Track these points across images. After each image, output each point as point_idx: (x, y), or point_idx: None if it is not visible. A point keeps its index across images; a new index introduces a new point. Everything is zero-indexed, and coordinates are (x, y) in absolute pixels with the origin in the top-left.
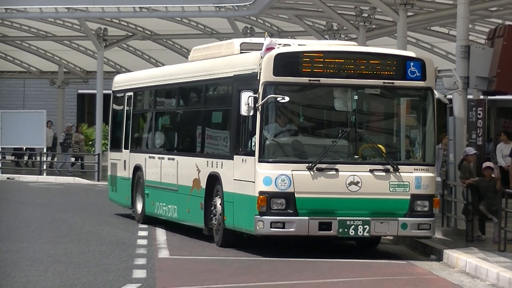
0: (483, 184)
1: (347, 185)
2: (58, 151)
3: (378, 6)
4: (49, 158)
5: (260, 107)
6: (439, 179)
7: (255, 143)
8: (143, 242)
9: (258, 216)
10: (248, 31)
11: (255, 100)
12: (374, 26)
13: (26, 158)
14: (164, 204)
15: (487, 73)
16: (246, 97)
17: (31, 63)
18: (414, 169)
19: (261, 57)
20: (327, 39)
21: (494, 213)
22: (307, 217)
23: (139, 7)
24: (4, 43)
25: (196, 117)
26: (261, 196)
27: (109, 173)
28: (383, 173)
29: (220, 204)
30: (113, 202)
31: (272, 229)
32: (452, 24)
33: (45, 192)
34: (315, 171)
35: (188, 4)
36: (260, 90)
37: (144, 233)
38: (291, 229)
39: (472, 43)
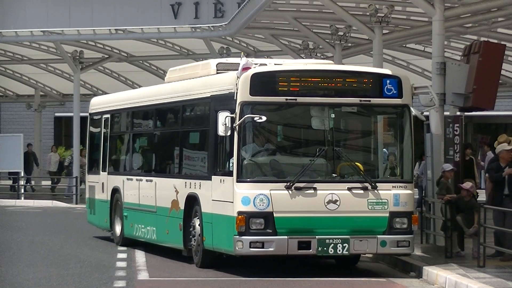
0: (462, 202)
1: (326, 204)
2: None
3: (353, 24)
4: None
5: (237, 127)
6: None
7: (233, 163)
8: (123, 264)
9: (237, 236)
10: (224, 51)
11: (232, 120)
12: (350, 44)
13: (23, 182)
14: (143, 226)
15: (464, 89)
16: (223, 117)
17: (8, 87)
18: (392, 186)
19: (238, 77)
20: (303, 58)
21: (470, 227)
22: (286, 237)
23: (115, 29)
24: None
25: (173, 138)
26: (239, 216)
27: (87, 195)
28: (362, 191)
29: (199, 225)
30: (92, 224)
31: (251, 249)
32: (428, 41)
33: (24, 216)
34: (294, 190)
35: (163, 26)
36: (237, 110)
37: (123, 255)
38: (270, 249)
39: (448, 60)
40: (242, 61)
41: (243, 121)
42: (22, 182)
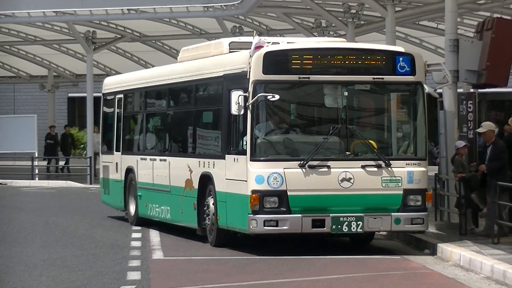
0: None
1: (340, 182)
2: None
3: (366, 2)
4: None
5: (250, 106)
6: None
7: (246, 142)
8: (137, 244)
9: (251, 215)
10: (237, 30)
11: (245, 99)
12: (362, 22)
13: (62, 163)
14: (157, 205)
15: (477, 66)
16: (236, 96)
17: (21, 68)
18: (406, 164)
19: (250, 56)
20: (316, 36)
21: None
22: (300, 215)
23: (127, 9)
24: None
25: (187, 118)
26: (253, 195)
27: (101, 176)
28: (375, 169)
29: (213, 204)
30: (106, 204)
31: (265, 227)
32: (441, 18)
33: (38, 197)
34: (307, 169)
35: (176, 5)
36: (250, 89)
37: (138, 235)
38: (284, 227)
39: (460, 37)
40: (255, 40)
41: (256, 100)
42: (36, 163)
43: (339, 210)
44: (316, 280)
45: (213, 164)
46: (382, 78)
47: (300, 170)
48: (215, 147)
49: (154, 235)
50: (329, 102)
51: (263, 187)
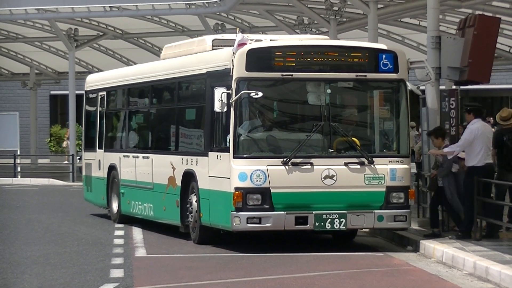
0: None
1: (323, 179)
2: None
3: None
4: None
5: (233, 103)
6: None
7: (229, 139)
8: (120, 241)
9: (234, 212)
10: (219, 28)
11: (229, 96)
12: (344, 19)
13: (19, 161)
14: (140, 202)
15: (459, 63)
16: (219, 94)
17: (2, 65)
18: (389, 161)
19: (234, 53)
20: (298, 34)
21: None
22: (283, 212)
23: (109, 7)
24: None
25: (169, 115)
26: (236, 192)
27: (83, 173)
28: (358, 166)
29: (196, 201)
30: (89, 202)
31: (248, 224)
32: (423, 15)
33: (21, 194)
34: (290, 166)
35: (158, 2)
36: (233, 86)
37: (121, 232)
38: (267, 224)
39: (443, 34)
40: (238, 37)
41: (239, 97)
42: (18, 161)
43: (322, 207)
44: (299, 277)
45: (196, 161)
46: (365, 76)
47: (283, 167)
48: (198, 145)
49: (137, 233)
50: (312, 99)
51: (246, 184)
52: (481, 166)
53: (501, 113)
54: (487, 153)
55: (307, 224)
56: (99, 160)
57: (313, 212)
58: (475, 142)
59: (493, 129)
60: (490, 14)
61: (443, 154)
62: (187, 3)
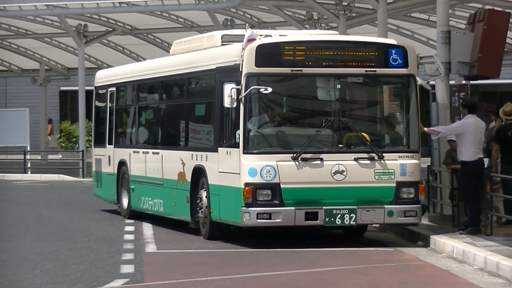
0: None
1: (332, 174)
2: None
3: None
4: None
5: (243, 98)
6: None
7: (239, 135)
8: (130, 237)
9: (244, 208)
10: (229, 23)
11: (238, 91)
12: (354, 15)
13: (29, 157)
14: (150, 198)
15: (469, 58)
16: (229, 89)
17: (12, 61)
18: (399, 156)
19: (243, 48)
20: (308, 29)
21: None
22: (293, 208)
23: (119, 2)
24: None
25: (179, 111)
26: (246, 188)
27: (93, 169)
28: (368, 161)
29: (206, 197)
30: (99, 198)
31: (258, 220)
32: (432, 10)
33: (31, 190)
34: (300, 161)
35: None
36: (243, 81)
37: (131, 228)
38: (277, 220)
39: (452, 29)
40: (247, 32)
41: (249, 93)
42: (28, 157)
43: (332, 202)
44: (309, 272)
45: (206, 157)
46: (375, 71)
47: (293, 162)
48: (208, 140)
49: (147, 228)
50: (321, 94)
51: (256, 179)
52: (472, 161)
53: (504, 108)
54: (479, 148)
55: (317, 220)
56: (109, 156)
57: (323, 207)
58: (466, 136)
59: (494, 125)
60: (500, 9)
61: (427, 133)
62: None
